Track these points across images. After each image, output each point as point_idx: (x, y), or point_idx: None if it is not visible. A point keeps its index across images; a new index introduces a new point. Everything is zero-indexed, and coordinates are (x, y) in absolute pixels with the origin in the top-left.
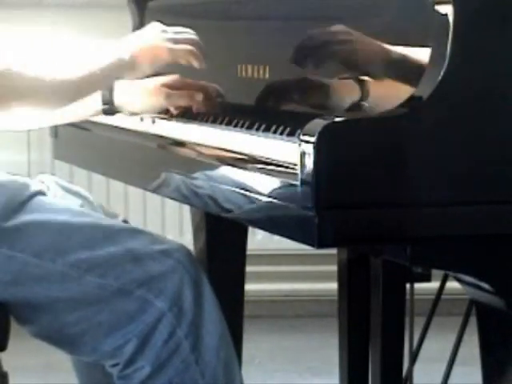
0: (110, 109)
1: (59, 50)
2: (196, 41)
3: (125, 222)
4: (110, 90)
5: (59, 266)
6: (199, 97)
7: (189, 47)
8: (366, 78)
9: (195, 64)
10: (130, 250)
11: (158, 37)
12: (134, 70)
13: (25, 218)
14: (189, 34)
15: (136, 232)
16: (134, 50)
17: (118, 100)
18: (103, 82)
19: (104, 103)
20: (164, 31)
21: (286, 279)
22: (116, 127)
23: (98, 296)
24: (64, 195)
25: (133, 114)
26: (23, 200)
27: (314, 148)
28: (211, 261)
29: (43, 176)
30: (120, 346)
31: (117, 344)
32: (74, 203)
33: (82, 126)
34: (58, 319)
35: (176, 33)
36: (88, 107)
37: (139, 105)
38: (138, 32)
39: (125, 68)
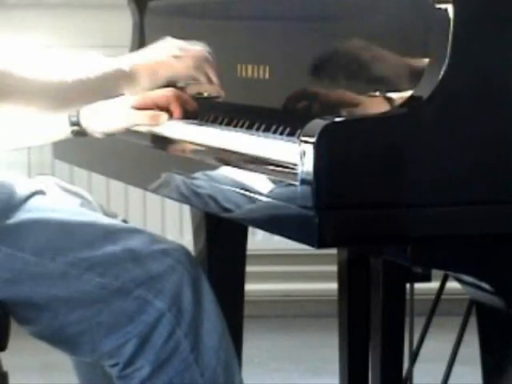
0: (79, 131)
1: (57, 54)
2: (203, 55)
3: (124, 222)
4: (77, 112)
5: (59, 265)
6: (163, 118)
7: (191, 62)
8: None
9: (201, 79)
10: (130, 250)
11: (162, 52)
12: (134, 84)
13: (24, 216)
14: (199, 48)
15: (136, 231)
16: (135, 63)
17: (85, 121)
18: (100, 90)
19: (72, 124)
20: (172, 47)
21: (286, 279)
22: None
23: (98, 295)
24: (64, 196)
25: (103, 134)
26: (22, 199)
27: (314, 148)
28: (211, 261)
29: (42, 177)
30: (119, 345)
31: (116, 344)
32: (74, 203)
33: None
34: (57, 319)
35: (184, 49)
36: (56, 130)
37: (106, 126)
38: (146, 48)
39: (124, 80)
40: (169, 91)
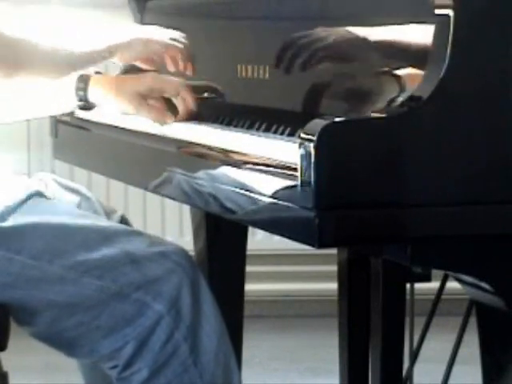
0: (85, 105)
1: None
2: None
3: (123, 217)
4: (85, 88)
5: (57, 268)
6: (169, 119)
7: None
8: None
9: (168, 60)
10: (128, 252)
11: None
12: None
13: (21, 219)
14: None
15: (134, 234)
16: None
17: (93, 99)
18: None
19: (79, 100)
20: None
21: (286, 279)
22: (116, 127)
23: (96, 298)
24: (62, 193)
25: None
26: (20, 201)
27: (314, 148)
28: (211, 261)
29: (41, 174)
30: (118, 348)
31: (115, 346)
32: (72, 200)
33: (82, 126)
34: (55, 321)
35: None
36: (62, 102)
37: (113, 106)
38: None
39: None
40: (177, 79)
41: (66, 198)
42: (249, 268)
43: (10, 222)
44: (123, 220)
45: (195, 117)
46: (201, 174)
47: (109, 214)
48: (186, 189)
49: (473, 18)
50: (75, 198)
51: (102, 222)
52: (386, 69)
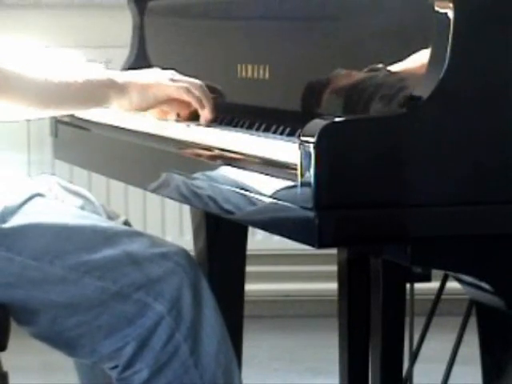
0: None
1: (53, 55)
2: (198, 83)
3: (126, 222)
4: None
5: (58, 269)
6: (170, 117)
7: (184, 85)
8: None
9: (192, 103)
10: (129, 253)
11: (156, 74)
12: (123, 97)
13: (22, 219)
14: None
15: (135, 235)
16: (129, 78)
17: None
18: (89, 96)
19: None
20: (166, 72)
21: (286, 279)
22: (116, 127)
23: (97, 299)
24: (65, 196)
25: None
26: (22, 202)
27: (314, 148)
28: (211, 261)
29: (44, 177)
30: (118, 348)
31: (115, 347)
32: (75, 204)
33: (82, 126)
34: (56, 322)
35: (178, 75)
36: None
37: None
38: (139, 71)
39: (114, 90)
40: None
41: (69, 200)
42: (249, 268)
43: (10, 223)
44: (126, 225)
45: (195, 117)
46: (200, 174)
47: (112, 218)
48: (185, 189)
49: (473, 18)
50: (78, 202)
51: (103, 222)
52: (386, 69)
